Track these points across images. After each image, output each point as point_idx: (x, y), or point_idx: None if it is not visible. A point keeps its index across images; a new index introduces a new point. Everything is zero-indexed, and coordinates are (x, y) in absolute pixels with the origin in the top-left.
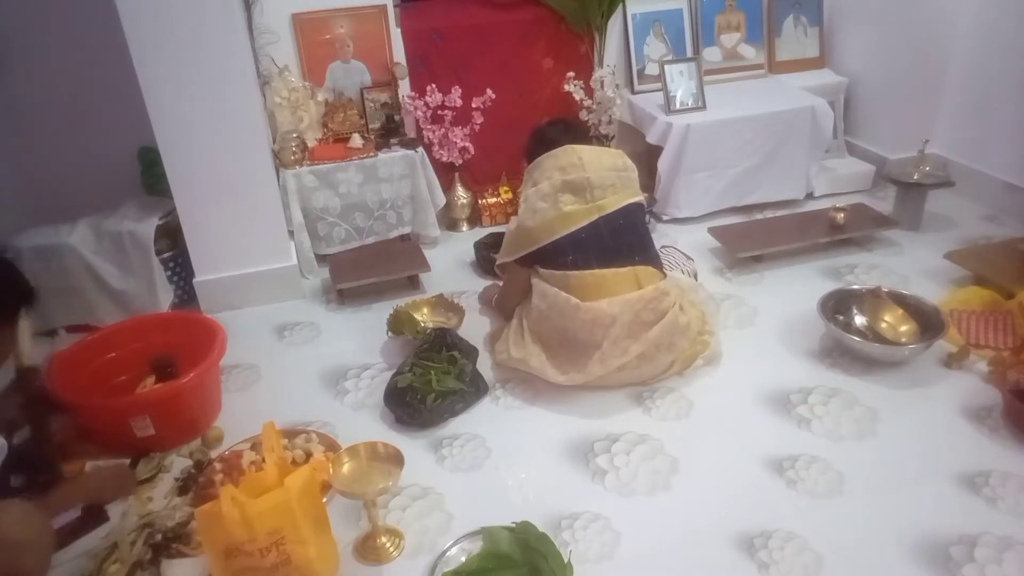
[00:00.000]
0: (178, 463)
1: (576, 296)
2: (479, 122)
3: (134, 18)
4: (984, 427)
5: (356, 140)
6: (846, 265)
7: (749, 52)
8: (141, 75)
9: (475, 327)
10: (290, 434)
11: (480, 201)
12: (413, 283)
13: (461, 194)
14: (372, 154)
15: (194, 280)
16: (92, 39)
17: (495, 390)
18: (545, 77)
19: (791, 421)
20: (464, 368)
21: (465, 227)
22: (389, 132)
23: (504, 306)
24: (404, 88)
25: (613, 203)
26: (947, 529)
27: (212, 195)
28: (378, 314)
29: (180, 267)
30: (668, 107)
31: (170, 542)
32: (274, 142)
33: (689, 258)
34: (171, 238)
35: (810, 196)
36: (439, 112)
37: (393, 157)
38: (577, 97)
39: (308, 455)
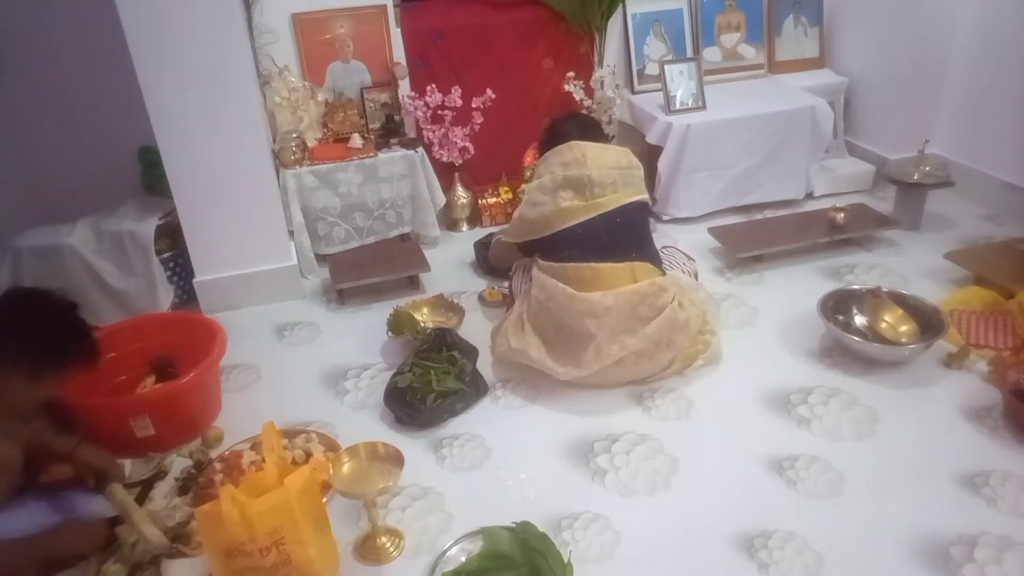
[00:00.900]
0: (178, 463)
1: (573, 288)
2: (479, 122)
3: (134, 18)
4: (984, 427)
5: (356, 140)
6: (846, 265)
7: (749, 52)
8: (141, 75)
9: (475, 327)
10: (290, 434)
11: (480, 201)
12: (413, 283)
13: (461, 194)
14: (372, 154)
15: (194, 280)
16: (92, 39)
17: (495, 390)
18: (545, 77)
19: (791, 421)
20: (464, 368)
21: (465, 227)
22: (389, 132)
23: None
24: (404, 88)
25: (612, 201)
26: (947, 529)
27: (212, 195)
28: (378, 314)
29: (180, 267)
30: (668, 107)
31: (170, 542)
32: (274, 142)
33: (690, 258)
34: (171, 238)
35: (810, 196)
36: (439, 112)
37: (393, 157)
38: (577, 97)
39: (308, 455)
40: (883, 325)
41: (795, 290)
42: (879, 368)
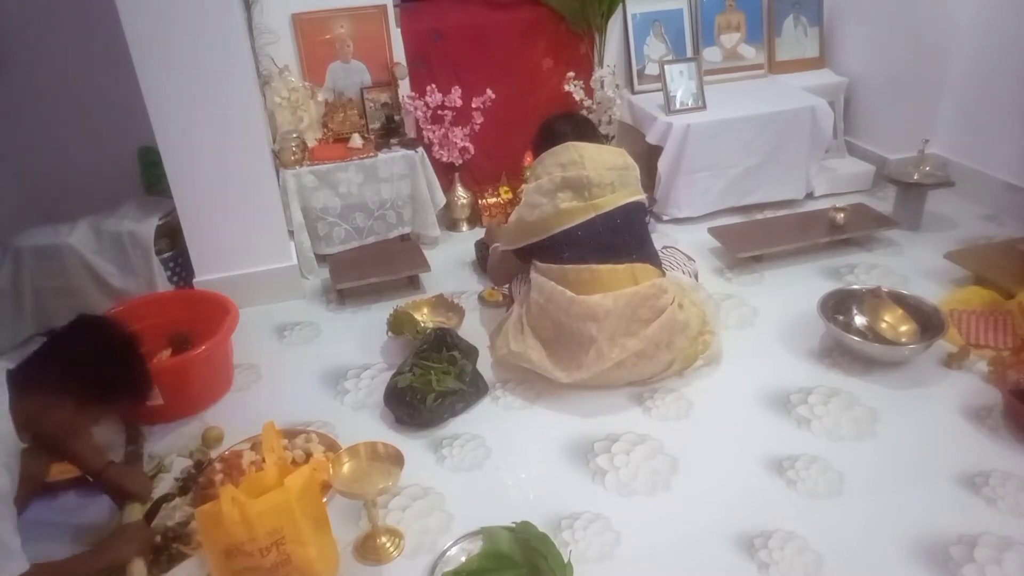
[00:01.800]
0: (178, 463)
1: (572, 291)
2: (479, 122)
3: (134, 18)
4: (984, 427)
5: (356, 140)
6: (846, 265)
7: (749, 52)
8: (141, 75)
9: (475, 327)
10: (290, 434)
11: (480, 201)
12: (413, 283)
13: (461, 194)
14: (372, 154)
15: (194, 280)
16: (92, 39)
17: (495, 390)
18: (545, 77)
19: (791, 421)
20: (464, 368)
21: (465, 227)
22: (389, 132)
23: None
24: (404, 88)
25: (611, 202)
26: (947, 529)
27: (212, 195)
28: (378, 314)
29: (180, 267)
30: (668, 107)
31: (170, 542)
32: (274, 142)
33: (690, 259)
34: (171, 238)
35: (810, 196)
36: (439, 112)
37: (393, 157)
38: (577, 97)
39: (308, 455)
40: (883, 325)
41: (795, 290)
42: (879, 368)
